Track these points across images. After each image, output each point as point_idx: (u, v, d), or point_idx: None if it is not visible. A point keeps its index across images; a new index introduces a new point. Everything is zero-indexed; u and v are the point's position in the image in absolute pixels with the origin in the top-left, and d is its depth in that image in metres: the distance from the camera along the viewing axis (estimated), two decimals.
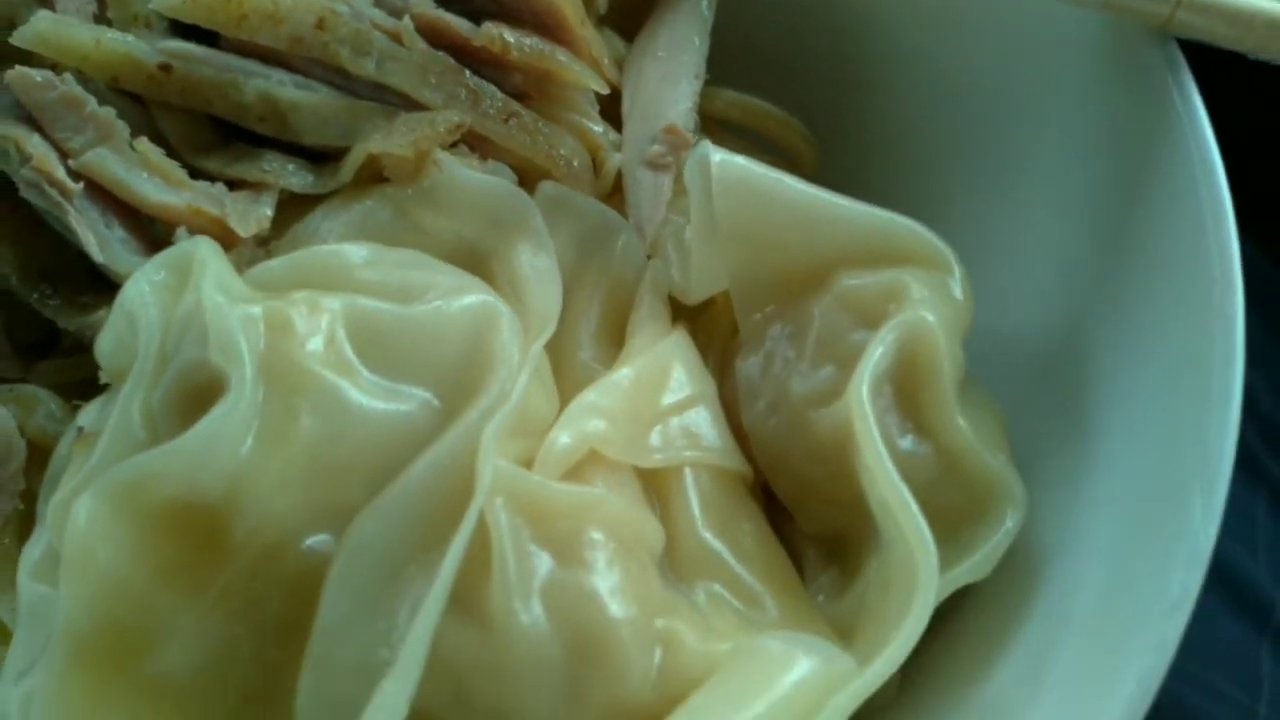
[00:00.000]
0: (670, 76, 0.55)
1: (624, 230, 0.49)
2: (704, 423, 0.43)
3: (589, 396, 0.41)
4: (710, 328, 0.49)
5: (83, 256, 0.51)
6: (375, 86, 0.51)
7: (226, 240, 0.47)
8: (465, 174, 0.48)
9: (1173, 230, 0.41)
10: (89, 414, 0.43)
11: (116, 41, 0.50)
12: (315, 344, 0.40)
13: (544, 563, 0.37)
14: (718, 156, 0.44)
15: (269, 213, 0.49)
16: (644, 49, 0.56)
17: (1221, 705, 0.64)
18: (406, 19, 0.51)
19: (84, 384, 0.49)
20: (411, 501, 0.37)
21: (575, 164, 0.51)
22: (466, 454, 0.38)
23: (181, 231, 0.47)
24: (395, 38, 0.51)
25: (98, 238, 0.48)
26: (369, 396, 0.40)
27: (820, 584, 0.43)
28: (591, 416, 0.40)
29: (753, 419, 0.44)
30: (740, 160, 0.44)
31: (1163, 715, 0.64)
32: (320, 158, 0.51)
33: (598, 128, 0.53)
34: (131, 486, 0.37)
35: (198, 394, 0.39)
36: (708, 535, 0.41)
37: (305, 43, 0.50)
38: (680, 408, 0.43)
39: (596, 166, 0.53)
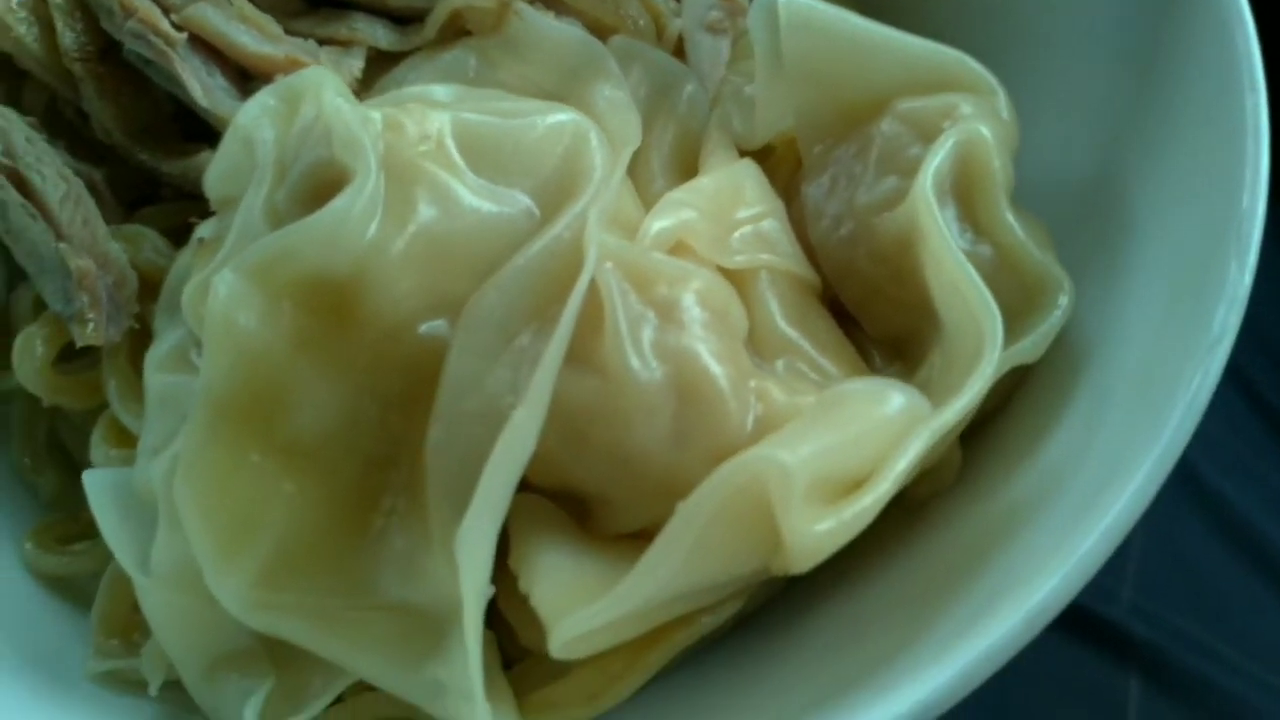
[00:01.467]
0: None
1: (690, 80, 0.53)
2: (777, 233, 0.47)
3: (676, 194, 0.45)
4: (773, 171, 0.52)
5: (179, 115, 0.55)
6: None
7: None
8: (545, 22, 0.52)
9: (1198, 40, 0.45)
10: (207, 227, 0.47)
11: None
12: (427, 145, 0.43)
13: (650, 320, 0.40)
14: None
15: (360, 64, 0.53)
16: None
17: None
18: None
19: (184, 229, 0.53)
20: (525, 276, 0.41)
21: (641, 24, 0.55)
22: (574, 237, 0.41)
23: (278, 80, 0.51)
24: None
25: (201, 85, 0.51)
26: (476, 195, 0.43)
27: (885, 377, 0.46)
28: (682, 208, 0.44)
29: (820, 233, 0.48)
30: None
31: (1225, 717, 0.66)
32: (403, 21, 0.54)
33: None
34: (268, 262, 0.40)
35: (322, 189, 0.42)
36: (784, 325, 0.45)
37: None
38: (755, 219, 0.47)
39: (658, 32, 0.57)
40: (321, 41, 0.53)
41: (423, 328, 0.42)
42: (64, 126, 0.55)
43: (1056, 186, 0.51)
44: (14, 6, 0.54)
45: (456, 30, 0.53)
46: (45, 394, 0.49)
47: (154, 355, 0.46)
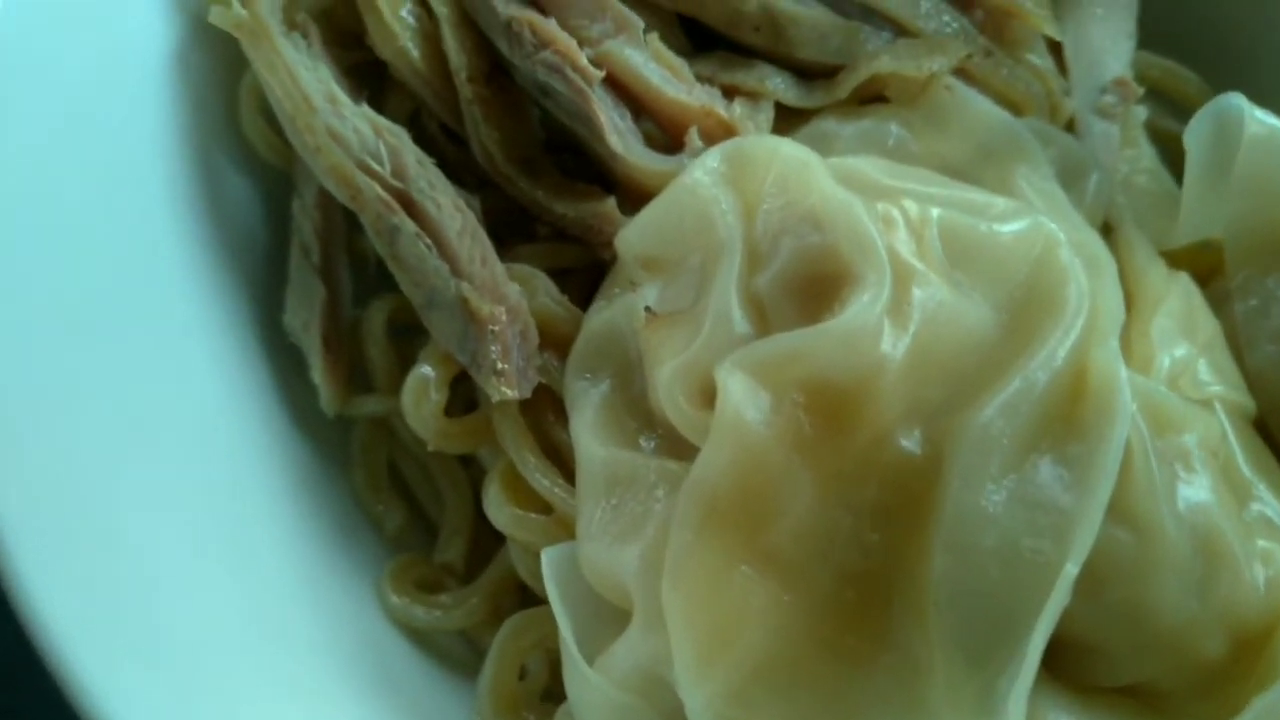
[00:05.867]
0: (1111, 34, 0.57)
1: (1095, 169, 0.51)
2: (1226, 361, 0.45)
3: (1164, 322, 0.43)
4: None
5: (550, 146, 0.52)
6: (863, 10, 0.52)
7: None
8: (978, 100, 0.50)
9: None
10: (649, 294, 0.44)
11: None
12: (917, 243, 0.41)
13: (1174, 470, 0.39)
14: (1257, 113, 0.46)
15: (769, 119, 0.50)
16: (1079, 2, 0.58)
17: None
18: None
19: (560, 271, 0.50)
20: (1028, 399, 0.39)
21: (1040, 103, 0.53)
22: (1078, 358, 0.39)
23: (693, 133, 0.49)
24: None
25: (614, 128, 0.49)
26: (957, 300, 0.41)
27: None
28: (1176, 341, 0.42)
29: (1260, 360, 0.47)
30: (1272, 119, 0.46)
31: None
32: (808, 74, 0.52)
33: (1051, 71, 0.55)
34: (779, 360, 0.39)
35: (816, 281, 0.41)
36: (1245, 467, 0.43)
37: None
38: (1208, 345, 0.45)
39: (1051, 110, 0.54)
40: (725, 90, 0.51)
41: (901, 434, 0.40)
42: (427, 144, 0.52)
43: None
44: (403, 15, 0.51)
45: (867, 93, 0.51)
46: (434, 439, 0.47)
47: (585, 422, 0.44)
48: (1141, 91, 0.55)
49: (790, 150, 0.43)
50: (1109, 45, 0.56)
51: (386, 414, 0.51)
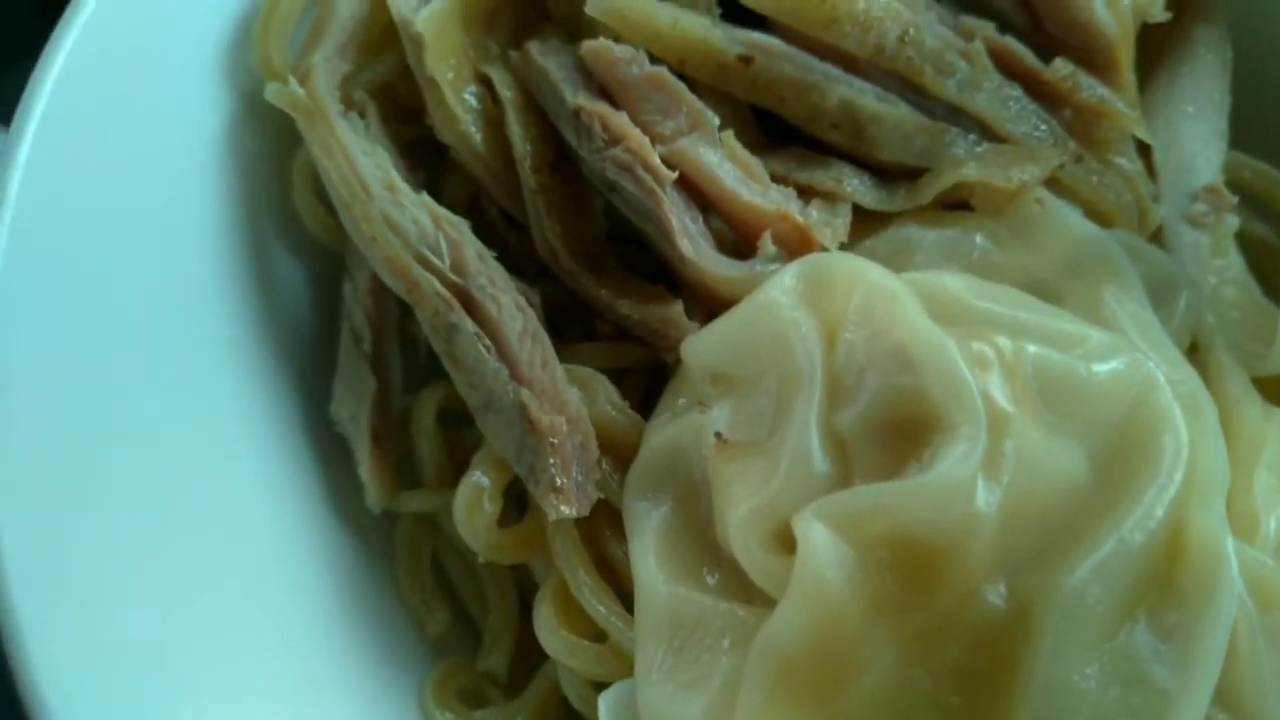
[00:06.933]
0: (1203, 135, 0.54)
1: (1187, 286, 0.49)
2: None
3: (1267, 477, 0.41)
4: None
5: (613, 235, 0.50)
6: (949, 109, 0.49)
7: (803, 250, 0.46)
8: (1067, 213, 0.47)
9: None
10: (719, 418, 0.42)
11: (695, 25, 0.49)
12: (1012, 387, 0.39)
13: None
14: None
15: (847, 223, 0.48)
16: (1168, 100, 0.55)
17: None
18: (978, 41, 0.50)
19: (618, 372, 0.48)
20: (1124, 562, 0.37)
21: (1130, 212, 0.51)
22: (1176, 515, 0.38)
23: (767, 237, 0.46)
24: (964, 59, 0.50)
25: (685, 231, 0.46)
26: (1049, 446, 0.39)
27: None
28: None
29: None
30: None
31: None
32: (887, 174, 0.49)
33: (1140, 176, 0.52)
34: (863, 515, 0.37)
35: (903, 424, 0.38)
36: None
37: (888, 54, 0.49)
38: None
39: (1139, 217, 0.52)
40: (800, 189, 0.48)
41: (987, 591, 0.38)
42: (485, 228, 0.50)
43: None
44: (465, 97, 0.49)
45: (950, 199, 0.48)
46: (486, 551, 0.45)
47: (647, 548, 0.42)
48: (1235, 201, 0.52)
49: (878, 277, 0.41)
50: (1200, 148, 0.54)
51: (433, 511, 0.50)
